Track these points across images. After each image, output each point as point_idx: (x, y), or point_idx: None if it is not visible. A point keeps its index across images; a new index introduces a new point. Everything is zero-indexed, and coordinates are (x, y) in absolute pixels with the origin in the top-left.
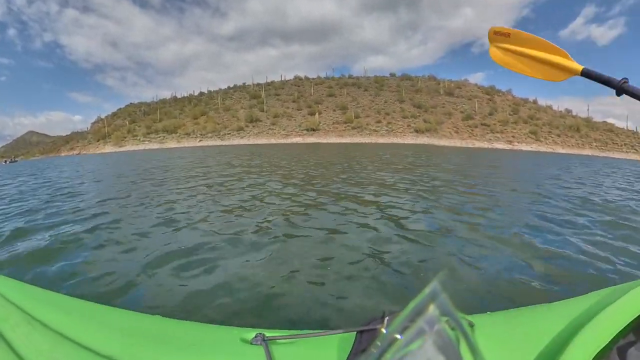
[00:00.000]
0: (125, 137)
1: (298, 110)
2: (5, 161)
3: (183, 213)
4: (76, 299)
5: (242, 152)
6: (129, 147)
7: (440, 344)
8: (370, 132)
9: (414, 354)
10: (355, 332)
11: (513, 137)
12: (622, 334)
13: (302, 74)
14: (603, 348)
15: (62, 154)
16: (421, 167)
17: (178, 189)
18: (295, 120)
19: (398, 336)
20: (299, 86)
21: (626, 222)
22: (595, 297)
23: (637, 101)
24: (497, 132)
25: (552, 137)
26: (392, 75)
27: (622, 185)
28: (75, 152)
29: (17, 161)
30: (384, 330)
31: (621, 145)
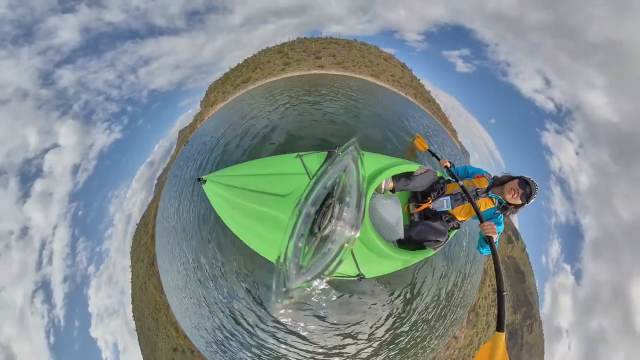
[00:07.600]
0: (224, 95)
1: (308, 56)
2: (183, 145)
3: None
4: (237, 165)
5: (285, 80)
6: (229, 98)
7: (353, 157)
8: (350, 71)
9: (344, 160)
10: (327, 151)
11: (410, 92)
12: (401, 175)
13: (298, 37)
14: (395, 175)
15: (199, 125)
16: (366, 89)
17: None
18: (309, 61)
19: (340, 154)
20: (303, 43)
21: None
22: (403, 161)
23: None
24: (405, 87)
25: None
26: (355, 40)
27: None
28: (205, 119)
29: (188, 141)
30: (336, 151)
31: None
